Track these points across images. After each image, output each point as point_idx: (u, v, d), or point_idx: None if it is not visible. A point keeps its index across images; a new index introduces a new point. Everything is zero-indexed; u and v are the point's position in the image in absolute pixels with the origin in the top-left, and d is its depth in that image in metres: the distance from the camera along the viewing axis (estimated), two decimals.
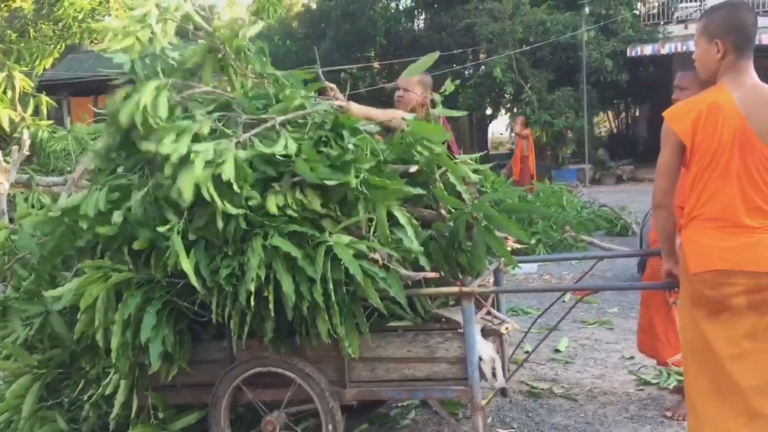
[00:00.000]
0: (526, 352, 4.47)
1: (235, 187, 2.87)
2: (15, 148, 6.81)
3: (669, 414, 3.95)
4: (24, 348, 3.58)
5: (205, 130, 2.98)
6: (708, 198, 2.67)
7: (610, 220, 10.60)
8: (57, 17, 10.91)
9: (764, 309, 2.62)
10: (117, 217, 3.02)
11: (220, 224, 2.92)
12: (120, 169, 3.29)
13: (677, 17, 20.72)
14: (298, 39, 25.62)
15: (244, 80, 3.43)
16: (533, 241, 8.88)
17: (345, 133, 3.16)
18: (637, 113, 27.40)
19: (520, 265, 3.70)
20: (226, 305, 3.05)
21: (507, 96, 21.40)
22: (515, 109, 21.21)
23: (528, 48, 19.91)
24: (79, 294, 3.11)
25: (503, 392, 4.22)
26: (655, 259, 3.92)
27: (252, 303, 2.94)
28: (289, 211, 2.97)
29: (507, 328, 3.50)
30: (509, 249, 3.38)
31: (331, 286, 2.95)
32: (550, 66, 20.62)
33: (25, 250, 3.57)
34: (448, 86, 3.69)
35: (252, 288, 2.91)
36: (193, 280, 2.96)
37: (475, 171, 3.60)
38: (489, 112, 24.88)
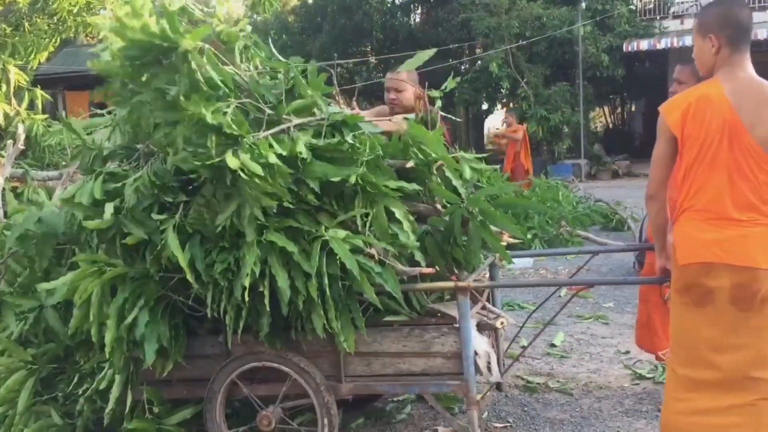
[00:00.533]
0: (522, 346, 4.48)
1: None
2: (10, 142, 6.79)
3: None
4: (18, 343, 3.58)
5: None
6: (697, 190, 2.69)
7: (606, 215, 10.62)
8: (52, 11, 10.85)
9: (745, 305, 2.62)
10: (108, 211, 3.01)
11: (260, 215, 2.92)
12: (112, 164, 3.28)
13: (673, 12, 20.73)
14: (294, 33, 25.57)
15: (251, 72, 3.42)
16: (529, 236, 8.89)
17: (345, 129, 3.15)
18: (633, 108, 27.42)
19: (515, 260, 3.70)
20: (221, 300, 3.05)
21: (503, 91, 21.38)
22: (511, 104, 21.21)
23: (524, 43, 19.89)
24: (74, 288, 3.10)
25: (499, 387, 4.23)
26: (651, 254, 3.92)
27: (247, 298, 2.94)
28: (285, 204, 2.96)
29: (502, 323, 3.50)
30: (504, 244, 3.38)
31: (326, 280, 2.95)
32: (546, 61, 20.61)
33: (16, 245, 3.56)
34: (449, 83, 3.67)
35: (247, 283, 2.91)
36: (189, 275, 2.95)
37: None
38: (485, 107, 24.85)
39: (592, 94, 20.72)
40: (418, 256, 3.14)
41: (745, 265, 2.59)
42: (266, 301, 2.97)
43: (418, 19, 26.31)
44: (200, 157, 2.88)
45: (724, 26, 2.69)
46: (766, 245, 2.61)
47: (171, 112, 2.97)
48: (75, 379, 3.51)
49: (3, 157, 6.46)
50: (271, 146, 2.92)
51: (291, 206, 2.99)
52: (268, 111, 3.13)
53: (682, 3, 20.83)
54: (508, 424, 3.95)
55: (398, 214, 3.09)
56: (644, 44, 19.52)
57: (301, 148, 2.94)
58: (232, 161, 2.78)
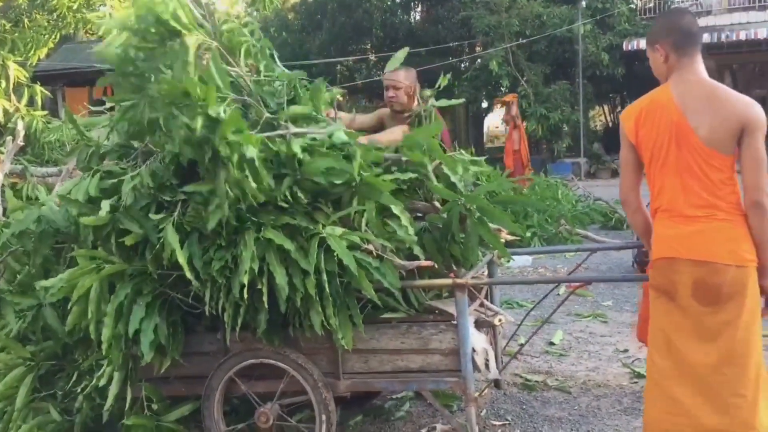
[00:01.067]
0: (520, 344, 4.48)
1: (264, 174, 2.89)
2: (9, 138, 6.77)
3: None
4: (17, 340, 3.57)
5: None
6: (658, 191, 2.78)
7: (605, 214, 10.62)
8: (51, 7, 10.85)
9: (707, 300, 2.66)
10: (104, 209, 3.01)
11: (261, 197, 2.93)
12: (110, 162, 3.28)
13: None
14: (294, 31, 25.54)
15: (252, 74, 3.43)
16: (528, 234, 8.90)
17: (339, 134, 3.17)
18: None
19: (514, 257, 3.71)
20: (219, 297, 3.05)
21: (503, 89, 21.32)
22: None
23: (524, 41, 19.90)
24: (71, 285, 3.10)
25: (497, 384, 4.23)
26: None
27: (245, 295, 2.94)
28: (281, 203, 2.97)
29: (500, 320, 3.50)
30: (503, 241, 3.38)
31: (324, 277, 2.95)
32: (546, 59, 20.62)
33: (15, 243, 3.56)
34: (442, 81, 3.70)
35: (245, 280, 2.91)
36: (188, 273, 2.95)
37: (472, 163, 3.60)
38: (485, 105, 24.85)
39: (591, 92, 20.73)
40: (417, 251, 3.14)
41: (703, 260, 2.64)
42: (264, 298, 2.97)
43: (418, 17, 26.29)
44: (187, 126, 2.85)
45: (668, 34, 2.78)
46: (724, 239, 2.64)
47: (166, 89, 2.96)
48: (74, 376, 3.50)
49: (2, 153, 6.45)
50: (261, 150, 2.93)
51: (286, 206, 3.00)
52: (267, 114, 3.13)
53: (682, 2, 20.83)
54: (507, 422, 3.95)
55: (396, 209, 3.10)
56: (644, 43, 19.42)
57: (297, 149, 2.95)
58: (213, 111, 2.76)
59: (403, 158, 3.22)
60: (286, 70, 3.50)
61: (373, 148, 3.26)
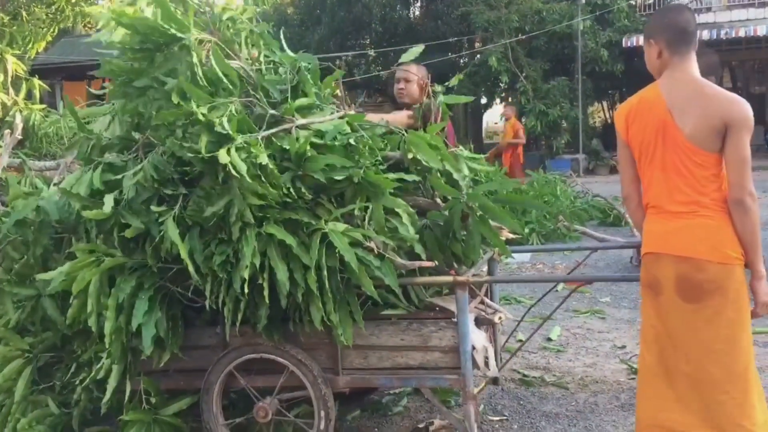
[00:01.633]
0: (519, 341, 4.48)
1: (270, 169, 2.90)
2: (7, 131, 6.75)
3: None
4: (15, 331, 3.57)
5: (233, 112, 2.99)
6: (647, 187, 2.81)
7: (604, 211, 10.62)
8: (50, 1, 10.82)
9: (690, 296, 2.66)
10: (108, 203, 3.01)
11: (248, 214, 2.93)
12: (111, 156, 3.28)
13: None
14: (293, 25, 25.45)
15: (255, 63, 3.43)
16: (527, 231, 8.90)
17: (346, 128, 3.17)
18: None
19: (513, 254, 3.71)
20: (219, 292, 3.05)
21: (502, 85, 21.38)
22: (510, 99, 21.18)
23: (523, 37, 19.87)
24: (71, 278, 3.10)
25: (495, 380, 4.24)
26: None
27: (246, 290, 2.94)
28: (285, 198, 2.97)
29: (500, 318, 3.50)
30: (503, 239, 3.39)
31: (325, 273, 2.95)
32: (545, 55, 20.59)
33: (14, 232, 3.55)
34: (454, 80, 3.78)
35: (246, 275, 2.91)
36: (189, 267, 2.95)
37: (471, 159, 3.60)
38: (484, 101, 24.81)
39: (590, 89, 20.71)
40: (418, 249, 3.14)
41: (685, 256, 2.65)
42: (265, 293, 2.97)
43: (417, 12, 26.23)
44: (192, 149, 2.89)
45: (663, 31, 2.79)
46: (707, 235, 2.65)
47: (167, 104, 2.99)
48: (72, 369, 3.50)
49: (0, 147, 6.43)
50: (267, 146, 2.93)
51: (289, 201, 3.00)
52: (271, 112, 3.13)
53: None
54: (504, 418, 3.96)
55: (398, 207, 3.10)
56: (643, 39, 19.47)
57: (306, 147, 2.96)
58: (223, 158, 2.79)
59: (409, 156, 3.21)
60: (291, 53, 3.49)
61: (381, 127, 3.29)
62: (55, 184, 3.82)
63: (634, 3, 20.98)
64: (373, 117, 3.58)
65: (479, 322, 3.40)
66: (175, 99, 2.93)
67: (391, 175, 3.12)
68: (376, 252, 3.01)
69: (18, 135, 6.67)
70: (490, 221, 3.20)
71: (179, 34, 2.99)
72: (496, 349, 3.96)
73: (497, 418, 3.95)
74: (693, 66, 2.76)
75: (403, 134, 3.32)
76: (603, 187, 13.50)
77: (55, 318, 3.44)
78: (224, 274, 3.00)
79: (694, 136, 2.64)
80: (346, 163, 3.01)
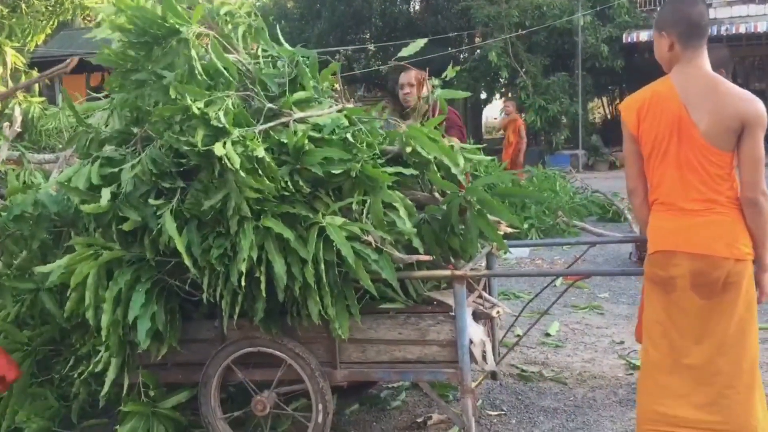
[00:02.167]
0: (517, 335, 4.49)
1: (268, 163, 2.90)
2: (6, 124, 6.75)
3: None
4: (15, 325, 3.57)
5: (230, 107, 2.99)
6: (657, 183, 2.78)
7: (603, 206, 10.63)
8: None
9: (706, 293, 2.67)
10: (105, 197, 3.00)
11: (245, 208, 2.93)
12: (109, 148, 3.28)
13: None
14: (293, 19, 25.40)
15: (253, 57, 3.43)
16: (526, 226, 8.90)
17: (343, 123, 3.17)
18: None
19: (511, 249, 3.72)
20: (217, 285, 3.05)
21: (502, 80, 21.31)
22: (510, 94, 21.15)
23: (524, 32, 19.83)
24: (69, 271, 3.10)
25: (493, 375, 4.24)
26: None
27: (243, 283, 2.94)
28: (282, 192, 2.97)
29: (498, 312, 3.51)
30: (501, 233, 3.39)
31: (322, 267, 2.95)
32: (545, 51, 20.55)
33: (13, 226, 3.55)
34: (449, 72, 3.77)
35: (243, 268, 2.91)
36: (186, 259, 2.95)
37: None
38: (483, 96, 24.78)
39: (590, 84, 20.67)
40: (416, 243, 3.14)
41: (702, 253, 2.65)
42: (262, 286, 2.97)
43: (417, 7, 26.18)
44: (189, 142, 2.90)
45: (675, 24, 2.74)
46: (723, 233, 2.66)
47: (165, 97, 2.99)
48: (71, 362, 3.51)
49: (0, 139, 6.43)
50: (264, 139, 2.93)
51: (286, 194, 3.00)
52: (269, 105, 3.13)
53: None
54: (502, 413, 3.97)
55: (395, 201, 3.09)
56: (644, 35, 19.44)
57: (304, 140, 2.96)
58: (218, 150, 2.80)
59: (407, 149, 3.21)
60: (289, 47, 3.50)
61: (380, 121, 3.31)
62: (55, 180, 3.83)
63: None
64: None
65: (477, 316, 3.40)
66: (172, 93, 2.93)
67: (389, 169, 3.12)
68: (373, 246, 3.01)
69: (17, 128, 6.67)
70: (488, 215, 3.20)
71: (178, 27, 2.98)
72: (494, 343, 3.96)
73: (495, 413, 3.96)
74: (705, 60, 2.74)
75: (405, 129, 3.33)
76: (602, 183, 13.50)
77: (53, 311, 3.44)
78: (222, 267, 3.00)
79: (709, 135, 2.63)
80: (343, 156, 3.01)
